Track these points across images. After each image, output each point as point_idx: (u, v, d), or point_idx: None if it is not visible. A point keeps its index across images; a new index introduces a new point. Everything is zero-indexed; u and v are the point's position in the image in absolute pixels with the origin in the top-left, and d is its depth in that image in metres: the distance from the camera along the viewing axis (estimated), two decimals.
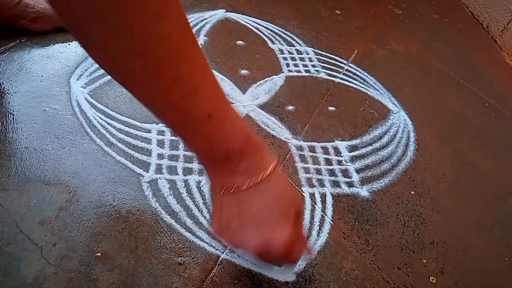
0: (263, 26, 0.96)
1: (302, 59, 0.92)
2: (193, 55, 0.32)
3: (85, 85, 0.71)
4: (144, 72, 0.30)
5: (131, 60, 0.29)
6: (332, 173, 0.71)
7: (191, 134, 0.36)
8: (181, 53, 0.30)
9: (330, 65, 0.93)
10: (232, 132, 0.37)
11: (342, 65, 0.94)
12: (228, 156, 0.38)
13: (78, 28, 0.28)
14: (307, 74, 0.89)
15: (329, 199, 0.67)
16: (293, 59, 0.91)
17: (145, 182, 0.61)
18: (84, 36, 0.29)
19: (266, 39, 0.93)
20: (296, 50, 0.94)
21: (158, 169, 0.63)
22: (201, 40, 0.87)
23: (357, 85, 0.91)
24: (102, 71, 0.74)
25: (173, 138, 0.68)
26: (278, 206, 0.41)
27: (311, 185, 0.68)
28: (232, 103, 0.77)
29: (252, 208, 0.40)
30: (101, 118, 0.67)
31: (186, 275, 0.53)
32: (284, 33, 0.97)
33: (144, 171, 0.62)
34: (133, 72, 0.30)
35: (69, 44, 0.77)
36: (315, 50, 0.96)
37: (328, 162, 0.73)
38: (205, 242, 0.57)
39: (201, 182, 0.64)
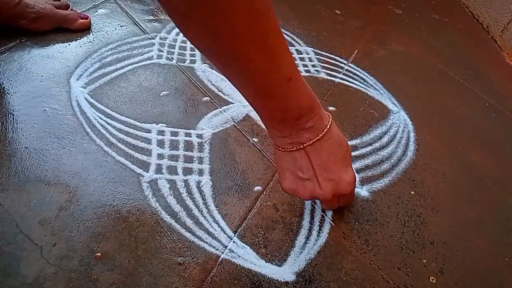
0: None
1: (302, 59, 0.92)
2: (277, 27, 0.37)
3: (85, 85, 0.71)
4: (241, 44, 0.35)
5: (235, 39, 0.34)
6: None
7: (272, 98, 0.41)
8: (270, 26, 0.35)
9: (330, 65, 0.93)
10: (304, 92, 0.43)
11: (342, 65, 0.94)
12: (300, 114, 0.44)
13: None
14: (307, 74, 0.89)
15: None
16: None
17: (145, 182, 0.61)
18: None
19: None
20: (296, 50, 0.94)
21: (158, 169, 0.63)
22: None
23: (357, 85, 0.91)
24: (102, 71, 0.74)
25: (173, 138, 0.68)
26: (340, 151, 0.49)
27: None
28: (232, 103, 0.77)
29: (321, 159, 0.47)
30: (101, 118, 0.67)
31: (186, 275, 0.53)
32: (284, 33, 0.97)
33: (144, 171, 0.62)
34: (235, 46, 0.35)
35: (69, 44, 0.77)
36: (315, 50, 0.96)
37: None
38: (205, 242, 0.57)
39: (201, 182, 0.64)
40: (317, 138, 0.46)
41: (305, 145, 0.46)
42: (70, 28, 0.79)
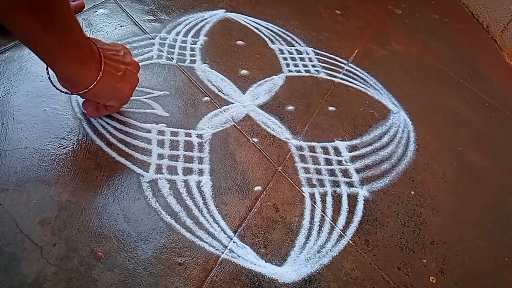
0: (263, 26, 0.96)
1: (302, 59, 0.92)
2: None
3: None
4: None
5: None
6: (332, 173, 0.71)
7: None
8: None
9: (330, 65, 0.93)
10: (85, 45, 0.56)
11: (342, 65, 0.94)
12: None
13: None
14: (307, 74, 0.89)
15: (329, 199, 0.67)
16: (293, 59, 0.91)
17: (145, 182, 0.61)
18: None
19: (266, 39, 0.93)
20: (296, 50, 0.94)
21: (158, 169, 0.63)
22: (201, 40, 0.87)
23: (357, 85, 0.91)
24: None
25: (173, 138, 0.68)
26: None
27: (311, 185, 0.68)
28: (232, 103, 0.77)
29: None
30: (101, 118, 0.67)
31: (186, 275, 0.53)
32: (284, 33, 0.97)
33: (144, 171, 0.62)
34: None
35: None
36: (315, 50, 0.96)
37: (328, 162, 0.73)
38: (205, 242, 0.57)
39: (201, 182, 0.64)
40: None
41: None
42: None
